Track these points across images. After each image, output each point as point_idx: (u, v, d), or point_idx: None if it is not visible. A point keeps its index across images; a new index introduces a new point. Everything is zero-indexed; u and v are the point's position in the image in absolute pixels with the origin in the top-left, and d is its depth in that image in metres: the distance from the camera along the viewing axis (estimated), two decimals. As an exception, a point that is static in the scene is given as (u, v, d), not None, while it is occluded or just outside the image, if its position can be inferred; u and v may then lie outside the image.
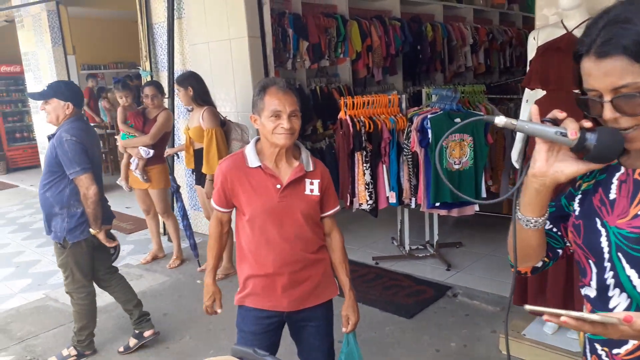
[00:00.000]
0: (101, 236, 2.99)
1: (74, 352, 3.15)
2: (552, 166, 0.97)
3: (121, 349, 3.22)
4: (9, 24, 8.38)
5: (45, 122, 8.39)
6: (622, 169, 1.00)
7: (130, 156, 4.36)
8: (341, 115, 4.20)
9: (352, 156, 4.16)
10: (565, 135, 0.91)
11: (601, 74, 0.91)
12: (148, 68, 5.66)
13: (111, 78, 8.57)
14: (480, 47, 7.70)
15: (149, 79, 5.59)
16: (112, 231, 3.25)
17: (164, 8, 5.26)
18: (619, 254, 0.96)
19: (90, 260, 3.08)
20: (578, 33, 2.72)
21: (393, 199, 4.13)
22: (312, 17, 5.56)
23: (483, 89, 4.59)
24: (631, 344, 0.97)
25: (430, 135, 3.89)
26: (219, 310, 2.08)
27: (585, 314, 0.82)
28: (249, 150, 1.91)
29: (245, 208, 1.89)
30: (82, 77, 9.59)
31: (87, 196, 2.87)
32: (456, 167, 3.89)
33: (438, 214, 4.25)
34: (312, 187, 1.92)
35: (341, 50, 5.91)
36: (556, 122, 0.95)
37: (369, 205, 4.15)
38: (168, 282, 4.25)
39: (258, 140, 1.94)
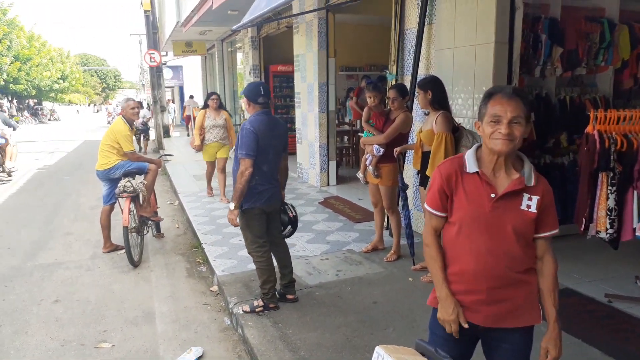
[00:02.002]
0: (234, 213, 3.61)
1: (261, 303, 3.81)
2: None
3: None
4: (288, 29, 9.84)
5: (298, 115, 9.55)
6: None
7: (367, 152, 4.76)
8: (589, 129, 3.79)
9: (596, 176, 3.72)
10: None
11: None
12: (394, 72, 6.02)
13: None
14: None
15: (393, 82, 5.94)
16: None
17: (417, 14, 5.50)
18: None
19: (261, 224, 3.74)
20: None
21: (641, 232, 3.57)
22: (571, 22, 5.10)
23: None
24: None
25: (703, 163, 3.23)
26: (465, 325, 1.88)
27: None
28: (469, 155, 1.90)
29: (455, 212, 1.88)
30: (340, 77, 10.68)
31: (242, 174, 3.54)
32: None
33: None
34: (530, 203, 1.82)
35: (603, 58, 5.28)
36: None
37: (608, 235, 3.67)
38: (383, 274, 4.51)
39: (480, 147, 1.92)
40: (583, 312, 3.65)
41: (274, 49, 12.19)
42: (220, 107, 7.70)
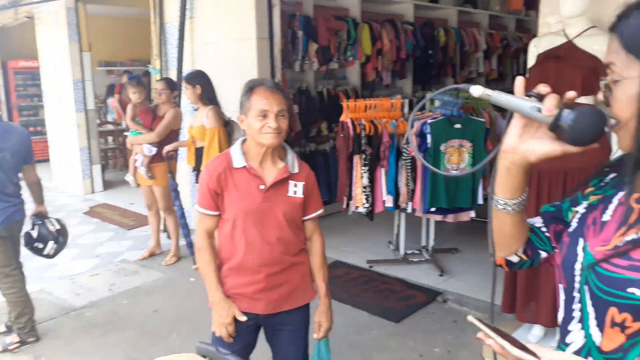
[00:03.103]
0: None
1: (16, 339, 3.26)
2: (524, 142, 0.88)
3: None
4: (29, 20, 8.56)
5: (50, 116, 8.35)
6: (625, 190, 0.87)
7: (137, 153, 4.42)
8: (343, 117, 4.20)
9: (352, 159, 4.14)
10: (540, 110, 0.84)
11: (607, 49, 0.86)
12: (158, 66, 5.73)
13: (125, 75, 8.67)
14: (494, 53, 7.62)
15: (158, 77, 5.65)
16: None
17: (177, 8, 5.31)
18: (585, 287, 0.84)
19: (4, 251, 3.16)
20: (579, 41, 2.69)
21: (390, 203, 4.11)
22: (322, 20, 5.57)
23: (489, 95, 4.53)
24: None
25: (429, 141, 3.86)
26: (243, 318, 1.88)
27: (508, 346, 0.75)
28: (235, 151, 1.90)
29: (228, 209, 1.88)
30: (98, 73, 9.75)
31: None
32: (453, 172, 3.85)
33: (435, 220, 4.20)
34: (296, 189, 1.91)
35: (351, 53, 5.90)
36: (541, 98, 0.86)
37: (365, 209, 4.13)
38: (162, 279, 4.27)
39: (244, 141, 1.93)
40: (350, 280, 4.04)
41: (12, 42, 10.47)
42: None
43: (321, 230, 2.03)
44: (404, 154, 3.99)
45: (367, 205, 4.10)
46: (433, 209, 3.85)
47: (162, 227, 5.07)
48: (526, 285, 2.82)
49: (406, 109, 4.33)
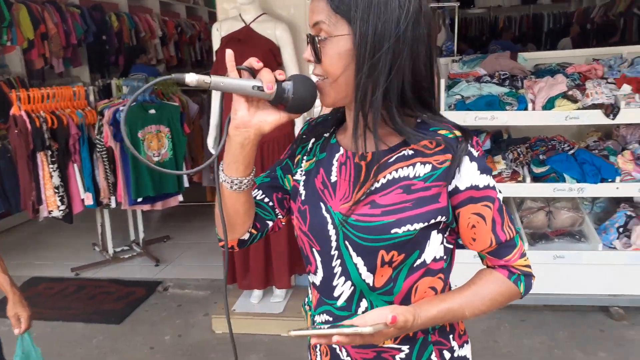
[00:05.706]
0: None
1: None
2: (254, 115, 0.89)
3: None
4: None
5: None
6: (342, 150, 0.97)
7: None
8: (14, 110, 3.63)
9: (34, 158, 3.63)
10: (262, 89, 0.86)
11: (311, 10, 0.90)
12: None
13: None
14: (171, 40, 7.70)
15: None
16: None
17: None
18: (346, 242, 0.92)
19: None
20: (254, 26, 2.97)
21: (90, 201, 3.78)
22: (-39, -5, 4.57)
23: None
24: None
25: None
26: None
27: (359, 329, 0.75)
28: None
29: None
30: None
31: None
32: (156, 159, 3.80)
33: (142, 210, 4.09)
34: None
35: (8, 37, 5.05)
36: (253, 72, 0.88)
37: (61, 212, 3.70)
38: None
39: None
40: (55, 294, 3.61)
41: None
42: None
43: None
44: (98, 146, 3.73)
45: (63, 207, 3.67)
46: (140, 199, 3.73)
47: None
48: (242, 258, 3.05)
49: (92, 98, 4.02)
